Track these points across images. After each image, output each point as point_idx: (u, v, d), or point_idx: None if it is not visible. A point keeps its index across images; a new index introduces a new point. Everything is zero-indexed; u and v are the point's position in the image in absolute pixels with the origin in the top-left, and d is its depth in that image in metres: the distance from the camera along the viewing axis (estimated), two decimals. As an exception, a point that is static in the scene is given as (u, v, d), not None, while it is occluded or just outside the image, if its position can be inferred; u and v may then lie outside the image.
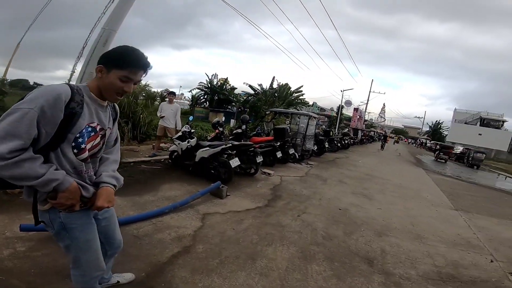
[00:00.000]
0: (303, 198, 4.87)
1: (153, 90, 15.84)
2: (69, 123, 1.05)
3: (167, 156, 5.89)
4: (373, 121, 58.34)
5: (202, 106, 24.48)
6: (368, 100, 34.63)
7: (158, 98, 15.12)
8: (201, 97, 25.08)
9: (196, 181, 4.80)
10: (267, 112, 10.89)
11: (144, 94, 13.03)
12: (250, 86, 21.17)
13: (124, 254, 2.36)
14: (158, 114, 6.36)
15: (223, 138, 6.05)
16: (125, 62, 1.11)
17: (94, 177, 1.28)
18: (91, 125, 1.16)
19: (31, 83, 21.70)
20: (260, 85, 20.82)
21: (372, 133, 35.59)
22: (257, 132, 8.26)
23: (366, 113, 38.73)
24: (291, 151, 7.66)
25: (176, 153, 5.44)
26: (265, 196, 4.63)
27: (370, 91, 34.16)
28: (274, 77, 20.30)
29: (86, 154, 1.18)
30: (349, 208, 4.66)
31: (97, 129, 1.20)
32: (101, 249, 1.35)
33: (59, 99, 1.00)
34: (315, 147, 9.99)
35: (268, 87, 20.35)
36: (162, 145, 6.75)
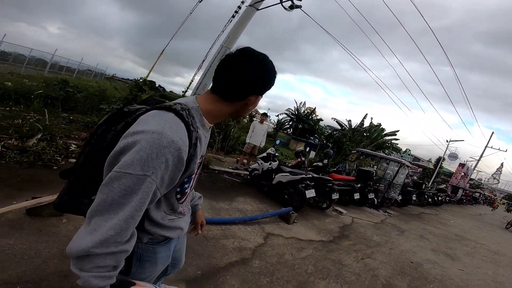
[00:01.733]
0: (372, 244, 4.51)
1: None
2: (183, 173, 0.79)
3: (247, 172, 6.36)
4: (482, 181, 48.39)
5: (286, 132, 25.17)
6: (481, 156, 28.06)
7: (247, 117, 16.52)
8: (286, 123, 25.88)
9: (268, 201, 5.03)
10: (353, 151, 10.30)
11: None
12: (337, 121, 20.59)
13: (191, 250, 2.66)
14: (250, 132, 6.92)
15: (303, 167, 6.12)
16: (271, 84, 0.91)
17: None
18: (198, 161, 0.87)
19: (157, 85, 26.34)
20: (349, 121, 19.95)
21: (477, 194, 29.10)
22: (337, 169, 7.94)
23: (475, 171, 31.37)
24: (371, 195, 7.09)
25: (256, 172, 5.81)
26: (331, 232, 4.49)
27: (486, 146, 27.62)
28: (366, 115, 19.10)
29: (187, 195, 0.97)
30: (424, 264, 4.22)
31: (201, 160, 0.95)
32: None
33: (180, 158, 0.73)
34: (399, 197, 8.82)
35: (357, 125, 19.30)
36: (244, 161, 7.25)
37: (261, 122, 7.14)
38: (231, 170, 6.40)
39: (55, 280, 1.84)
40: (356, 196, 6.54)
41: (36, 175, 3.21)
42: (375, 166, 9.53)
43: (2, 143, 3.62)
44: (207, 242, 2.92)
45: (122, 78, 35.36)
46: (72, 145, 4.36)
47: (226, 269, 2.52)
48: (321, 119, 24.72)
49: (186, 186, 0.90)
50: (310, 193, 4.78)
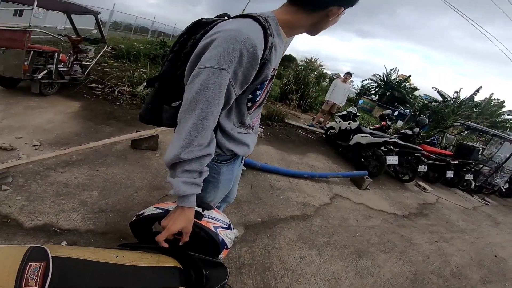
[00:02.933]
0: (454, 229, 3.81)
1: (325, 71, 16.34)
2: (256, 76, 0.77)
3: (322, 131, 6.13)
4: None
5: (370, 98, 22.63)
6: None
7: (328, 80, 15.48)
8: (371, 89, 23.13)
9: (341, 162, 4.77)
10: (455, 124, 8.51)
11: (316, 72, 13.67)
12: (439, 92, 17.05)
13: (257, 196, 2.79)
14: (331, 90, 6.50)
15: (387, 132, 5.43)
16: None
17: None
18: (271, 73, 0.84)
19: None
20: (456, 92, 16.26)
21: None
22: (430, 141, 6.73)
23: None
24: (469, 176, 5.74)
25: (332, 131, 5.52)
26: (408, 207, 3.95)
27: None
28: (480, 87, 15.20)
29: (257, 104, 0.93)
30: (509, 260, 3.45)
31: (274, 73, 0.89)
32: None
33: (255, 56, 0.71)
34: (505, 185, 6.96)
35: (467, 98, 15.61)
36: (321, 119, 6.98)
37: (344, 81, 6.55)
38: (306, 126, 6.30)
39: (141, 209, 2.18)
40: (449, 174, 5.42)
41: (141, 114, 3.89)
42: (481, 145, 7.64)
43: (118, 89, 4.48)
44: (273, 191, 2.99)
45: None
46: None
47: (285, 221, 2.52)
48: (416, 88, 20.96)
49: (258, 93, 0.87)
50: (392, 160, 4.24)
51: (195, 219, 0.83)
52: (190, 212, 0.79)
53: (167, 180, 0.76)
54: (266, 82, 0.86)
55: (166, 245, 0.80)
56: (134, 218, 0.98)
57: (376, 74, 22.51)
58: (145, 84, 4.73)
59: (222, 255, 0.93)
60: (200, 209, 0.89)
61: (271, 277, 1.86)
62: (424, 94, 21.03)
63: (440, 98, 17.09)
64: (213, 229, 0.88)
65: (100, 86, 4.53)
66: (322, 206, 3.02)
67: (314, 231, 2.52)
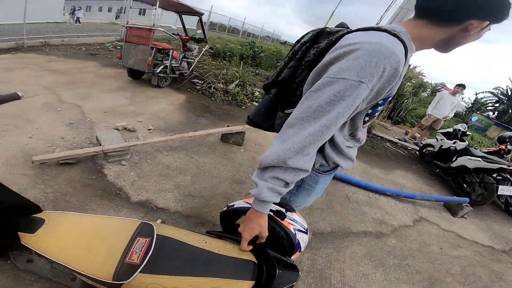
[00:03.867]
0: None
1: (425, 79, 14.05)
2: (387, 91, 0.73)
3: (416, 147, 5.40)
4: None
5: (485, 115, 18.43)
6: None
7: (429, 90, 13.23)
8: (488, 104, 18.79)
9: (435, 184, 4.12)
10: None
11: (414, 81, 11.90)
12: None
13: (331, 206, 2.63)
14: (434, 102, 5.58)
15: (505, 158, 4.30)
16: (508, 7, 0.68)
17: None
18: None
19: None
20: None
21: None
22: None
23: None
24: None
25: (430, 149, 4.76)
26: None
27: None
28: None
29: (374, 119, 0.89)
30: None
31: None
32: None
33: (397, 71, 0.66)
34: None
35: None
36: (417, 134, 6.13)
37: (453, 93, 5.46)
38: (397, 140, 5.59)
39: (221, 200, 2.30)
40: None
41: (232, 110, 4.19)
42: None
43: (214, 85, 4.93)
44: (349, 203, 2.82)
45: (292, 43, 38.47)
46: (256, 91, 5.28)
47: (356, 235, 2.38)
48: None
49: (379, 108, 0.81)
50: (505, 190, 3.45)
51: (277, 219, 0.87)
52: (263, 219, 0.79)
53: (252, 178, 0.75)
54: (390, 98, 0.80)
55: (248, 248, 0.84)
56: (225, 208, 1.04)
57: (498, 87, 18.23)
58: (237, 82, 5.07)
59: (293, 257, 0.94)
60: (283, 210, 0.91)
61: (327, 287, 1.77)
62: None
63: None
64: (292, 230, 0.90)
65: (200, 81, 5.09)
66: (401, 227, 2.70)
67: (385, 251, 2.28)
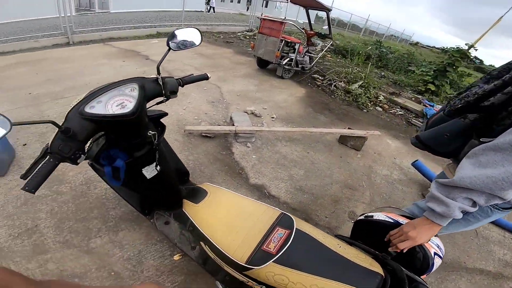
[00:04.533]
0: None
1: None
2: None
3: None
4: None
5: None
6: None
7: None
8: None
9: None
10: None
11: None
12: None
13: (452, 235, 2.23)
14: None
15: None
16: None
17: None
18: None
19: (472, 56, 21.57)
20: None
21: None
22: None
23: None
24: None
25: None
26: None
27: None
28: None
29: None
30: None
31: None
32: None
33: None
34: None
35: None
36: None
37: None
38: None
39: (329, 201, 2.19)
40: None
41: (351, 112, 3.93)
42: None
43: (335, 83, 4.73)
44: (475, 238, 2.33)
45: (427, 45, 33.05)
46: (381, 95, 4.77)
47: (469, 271, 2.00)
48: None
49: None
50: None
51: None
52: (437, 230, 0.80)
53: (435, 194, 0.75)
54: None
55: (399, 249, 0.84)
56: (362, 217, 1.01)
57: None
58: (360, 83, 4.69)
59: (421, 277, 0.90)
60: None
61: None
62: None
63: None
64: (432, 254, 0.87)
65: (320, 77, 5.00)
66: None
67: None
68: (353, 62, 6.77)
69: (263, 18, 4.58)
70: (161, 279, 1.34)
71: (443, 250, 0.93)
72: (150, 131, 0.83)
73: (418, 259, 0.87)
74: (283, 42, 4.36)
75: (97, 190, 1.73)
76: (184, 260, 1.43)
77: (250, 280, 0.86)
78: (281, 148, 2.68)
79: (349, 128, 3.04)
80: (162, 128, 0.98)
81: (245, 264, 0.82)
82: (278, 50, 4.31)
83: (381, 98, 4.61)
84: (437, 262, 0.90)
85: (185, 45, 0.97)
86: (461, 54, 5.57)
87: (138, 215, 1.55)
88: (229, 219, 0.98)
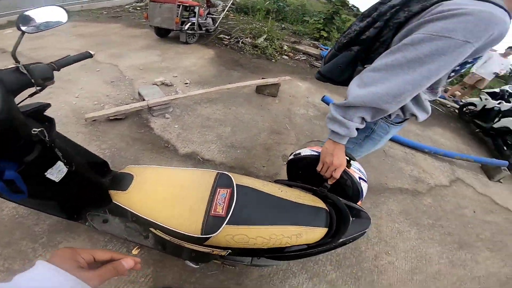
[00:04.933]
0: None
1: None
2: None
3: (456, 105, 5.19)
4: None
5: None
6: None
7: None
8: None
9: (474, 144, 3.93)
10: None
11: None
12: None
13: (367, 160, 2.55)
14: (481, 61, 5.20)
15: None
16: None
17: None
18: None
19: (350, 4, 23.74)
20: None
21: None
22: None
23: None
24: None
25: (471, 108, 4.53)
26: None
27: None
28: None
29: (458, 75, 0.94)
30: None
31: None
32: None
33: (502, 36, 0.68)
34: None
35: None
36: (457, 92, 5.82)
37: (505, 55, 5.03)
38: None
39: (261, 150, 2.33)
40: None
41: (262, 64, 4.07)
42: None
43: (242, 40, 4.74)
44: (385, 158, 2.76)
45: None
46: (285, 45, 5.07)
47: (392, 191, 2.35)
48: None
49: (467, 66, 0.82)
50: None
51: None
52: (342, 150, 0.87)
53: (334, 115, 0.80)
54: (479, 57, 0.81)
55: (336, 179, 0.89)
56: (292, 156, 1.04)
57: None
58: (265, 36, 4.82)
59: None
60: (348, 158, 0.91)
61: (363, 241, 1.81)
62: None
63: None
64: (357, 179, 0.91)
65: (227, 37, 4.91)
66: (437, 187, 2.62)
67: (420, 210, 2.27)
68: (255, 18, 6.84)
69: (151, -14, 4.08)
70: (132, 277, 1.24)
71: (365, 174, 0.99)
72: (34, 129, 0.66)
73: (349, 187, 0.92)
74: (181, 7, 4.03)
75: (5, 212, 1.39)
76: (144, 252, 1.33)
77: (215, 249, 0.83)
78: (202, 111, 2.61)
79: (262, 78, 3.15)
80: (50, 122, 0.78)
81: (201, 235, 0.77)
82: (177, 16, 3.98)
83: (285, 47, 4.90)
84: (364, 186, 0.95)
85: (46, 25, 0.77)
86: (342, 3, 6.50)
87: (69, 223, 1.33)
88: (166, 195, 0.88)
